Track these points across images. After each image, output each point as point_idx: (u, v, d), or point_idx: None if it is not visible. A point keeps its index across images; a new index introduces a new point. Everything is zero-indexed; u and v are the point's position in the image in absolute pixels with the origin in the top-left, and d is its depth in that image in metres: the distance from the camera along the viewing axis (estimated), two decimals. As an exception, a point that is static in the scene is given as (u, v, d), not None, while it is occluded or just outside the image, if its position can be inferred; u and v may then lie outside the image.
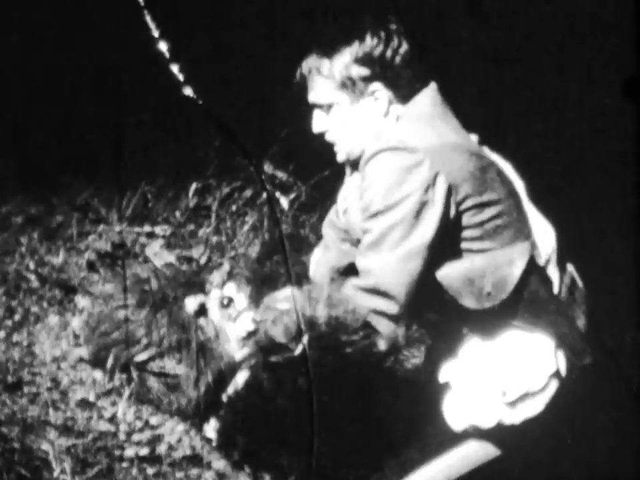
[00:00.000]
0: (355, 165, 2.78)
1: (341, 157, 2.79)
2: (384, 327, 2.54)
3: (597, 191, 3.34)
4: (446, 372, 2.60)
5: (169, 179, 3.69)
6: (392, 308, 2.54)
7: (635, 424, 2.71)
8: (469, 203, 2.56)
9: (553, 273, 2.66)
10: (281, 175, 3.84)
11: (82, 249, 3.28)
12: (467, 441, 2.62)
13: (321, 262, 3.01)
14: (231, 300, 2.83)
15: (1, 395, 2.63)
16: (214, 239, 3.54)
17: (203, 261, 3.40)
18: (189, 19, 4.02)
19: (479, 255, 2.59)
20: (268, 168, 3.84)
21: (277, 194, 3.76)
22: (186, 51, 4.03)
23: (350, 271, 2.83)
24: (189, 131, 3.89)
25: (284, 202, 3.75)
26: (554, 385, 2.56)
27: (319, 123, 2.76)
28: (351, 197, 2.78)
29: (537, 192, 2.79)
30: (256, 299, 2.97)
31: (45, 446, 2.51)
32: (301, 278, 3.02)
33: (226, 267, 3.40)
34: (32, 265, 3.12)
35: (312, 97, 2.73)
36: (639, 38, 2.90)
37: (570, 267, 2.74)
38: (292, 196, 3.78)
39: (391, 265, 2.53)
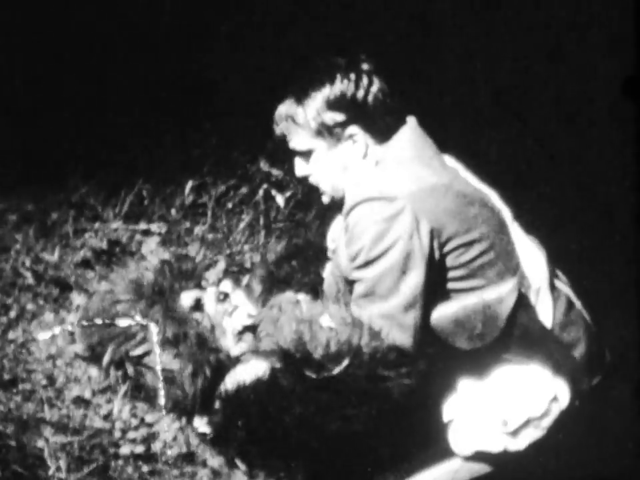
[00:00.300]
0: (341, 206, 2.77)
1: (325, 200, 2.79)
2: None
3: (596, 191, 3.34)
4: (449, 409, 2.61)
5: (164, 176, 3.69)
6: (405, 352, 2.55)
7: (636, 425, 2.71)
8: (453, 243, 2.55)
9: (546, 299, 2.65)
10: (277, 172, 3.84)
11: (78, 246, 3.28)
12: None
13: (332, 276, 3.03)
14: (226, 295, 2.84)
15: (-4, 392, 2.63)
16: (210, 236, 3.54)
17: (198, 258, 3.40)
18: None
19: (468, 294, 2.58)
20: (264, 166, 3.84)
21: (273, 192, 3.76)
22: (184, 51, 4.05)
23: None
24: (185, 129, 3.89)
25: (280, 200, 3.76)
26: (556, 409, 2.56)
27: (300, 168, 2.75)
28: (339, 240, 2.76)
29: (536, 193, 2.78)
30: (264, 300, 2.99)
31: (40, 443, 2.51)
32: (315, 287, 3.03)
33: (222, 264, 3.41)
34: (27, 262, 3.12)
35: (291, 145, 2.72)
36: (638, 38, 2.90)
37: (565, 288, 2.72)
38: (288, 194, 3.78)
39: (391, 319, 2.53)
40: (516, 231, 2.70)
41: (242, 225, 3.62)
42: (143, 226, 3.46)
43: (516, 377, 2.58)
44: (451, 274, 2.58)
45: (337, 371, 2.50)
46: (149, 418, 2.69)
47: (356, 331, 2.55)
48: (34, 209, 3.38)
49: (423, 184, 2.54)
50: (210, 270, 3.38)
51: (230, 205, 3.71)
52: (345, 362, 2.51)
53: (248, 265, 3.45)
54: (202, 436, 2.67)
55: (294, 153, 2.75)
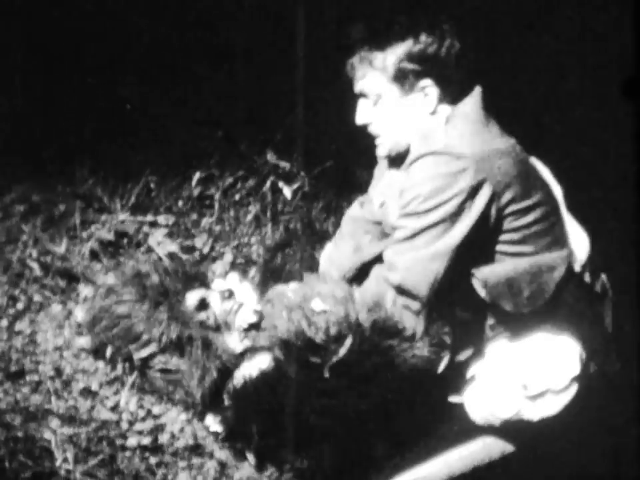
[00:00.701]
0: (394, 160, 2.78)
1: (382, 152, 2.79)
2: (409, 321, 2.57)
3: (596, 191, 3.34)
4: (473, 368, 2.63)
5: (172, 168, 3.69)
6: (414, 305, 2.57)
7: (636, 424, 2.72)
8: (511, 208, 2.59)
9: (588, 278, 2.69)
10: (284, 164, 3.84)
11: (85, 237, 3.28)
12: (475, 439, 2.64)
13: (332, 259, 3.02)
14: (231, 293, 2.83)
15: (3, 384, 2.63)
16: (217, 228, 3.54)
17: (205, 250, 3.40)
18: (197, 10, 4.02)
19: (520, 258, 2.62)
20: (271, 157, 3.84)
21: (280, 184, 3.76)
22: (191, 42, 4.04)
23: (363, 270, 2.85)
24: (192, 120, 3.89)
25: (287, 192, 3.75)
26: (574, 388, 2.58)
27: (363, 113, 2.76)
28: (390, 192, 2.79)
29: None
30: (262, 288, 2.98)
31: (48, 435, 2.51)
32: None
33: (228, 256, 3.41)
34: (35, 254, 3.12)
35: (360, 86, 2.73)
36: (638, 38, 2.89)
37: (602, 275, 2.76)
38: (295, 186, 3.78)
39: (416, 263, 2.57)
40: (565, 209, 2.76)
41: (249, 217, 3.62)
42: (150, 218, 3.46)
43: (547, 344, 2.60)
44: (506, 237, 2.62)
45: (342, 352, 2.52)
46: (156, 410, 2.70)
47: (351, 307, 2.57)
48: (41, 200, 3.38)
49: (489, 146, 2.59)
50: (216, 262, 3.38)
51: (237, 197, 3.71)
52: (348, 341, 2.52)
53: (255, 257, 3.45)
54: (215, 434, 2.68)
55: (356, 99, 2.77)
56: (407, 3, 2.77)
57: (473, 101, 2.68)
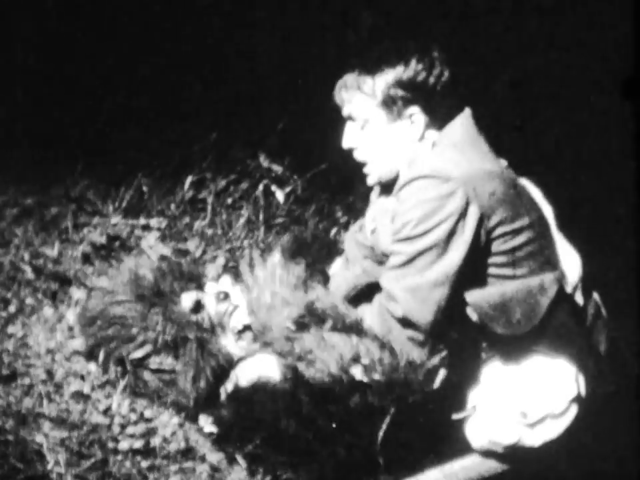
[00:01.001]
0: (384, 186, 2.79)
1: (371, 180, 2.79)
2: (415, 354, 2.57)
3: (596, 192, 3.35)
4: (473, 396, 2.63)
5: (164, 171, 3.69)
6: (419, 337, 2.58)
7: (636, 425, 2.72)
8: (500, 230, 2.59)
9: (580, 299, 2.69)
10: (277, 168, 3.84)
11: (77, 240, 3.28)
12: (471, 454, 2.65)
13: (340, 277, 3.03)
14: (227, 295, 2.83)
15: (-5, 387, 2.63)
16: (209, 231, 3.54)
17: (198, 253, 3.40)
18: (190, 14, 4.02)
19: (510, 281, 2.62)
20: (264, 161, 3.84)
21: (273, 187, 3.76)
22: (184, 46, 4.04)
23: (369, 289, 2.85)
24: (185, 124, 3.89)
25: (280, 195, 3.76)
26: (574, 410, 2.58)
27: (350, 137, 2.76)
28: (381, 218, 2.78)
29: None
30: None
31: (39, 438, 2.51)
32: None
33: (221, 260, 3.41)
34: (27, 257, 3.12)
35: (348, 110, 2.74)
36: (637, 38, 2.89)
37: (595, 295, 2.77)
38: (288, 189, 3.78)
39: (417, 292, 2.56)
40: (556, 230, 2.75)
41: (241, 220, 3.62)
42: (142, 221, 3.46)
43: (541, 369, 2.59)
44: (495, 259, 2.62)
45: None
46: (148, 413, 2.70)
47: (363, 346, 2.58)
48: (34, 203, 3.38)
49: (477, 169, 2.59)
50: (209, 265, 3.38)
51: (229, 201, 3.71)
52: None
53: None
54: (207, 435, 2.67)
55: (343, 123, 2.78)
56: (398, 28, 2.78)
57: (460, 123, 2.68)
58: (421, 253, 2.56)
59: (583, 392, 2.60)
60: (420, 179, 2.58)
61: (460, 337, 2.64)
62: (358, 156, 2.76)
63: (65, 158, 3.56)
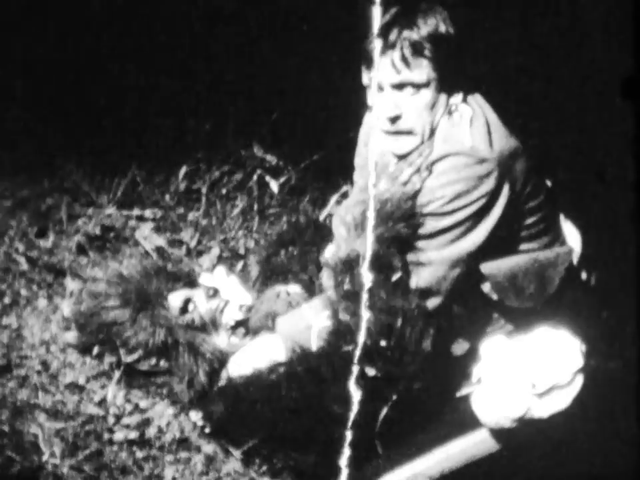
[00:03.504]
0: (403, 156, 2.73)
1: (405, 148, 2.67)
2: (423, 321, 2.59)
3: (596, 192, 3.35)
4: (477, 370, 2.64)
5: (158, 162, 3.69)
6: (431, 304, 2.59)
7: (636, 425, 2.73)
8: (526, 205, 2.61)
9: (584, 274, 2.74)
10: (271, 158, 3.84)
11: (71, 232, 3.28)
12: (469, 434, 2.65)
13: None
14: (216, 291, 2.83)
15: (-10, 378, 2.64)
16: (204, 222, 3.54)
17: (192, 244, 3.40)
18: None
19: (525, 255, 2.64)
20: (258, 151, 3.84)
21: (267, 177, 3.76)
22: (179, 37, 4.04)
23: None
24: (179, 115, 3.88)
25: (274, 185, 3.75)
26: (579, 381, 2.59)
27: (396, 105, 2.62)
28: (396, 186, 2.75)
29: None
30: (261, 284, 2.99)
31: (34, 429, 2.51)
32: (311, 276, 3.04)
33: (215, 250, 3.41)
34: (21, 248, 3.12)
35: (402, 76, 2.57)
36: (637, 38, 2.89)
37: (595, 271, 2.80)
38: (282, 180, 3.78)
39: (438, 264, 2.56)
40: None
41: (236, 210, 3.62)
42: (136, 212, 3.45)
43: (547, 339, 2.61)
44: (515, 235, 2.63)
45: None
46: (143, 404, 2.70)
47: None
48: (28, 195, 3.38)
49: (508, 146, 2.58)
50: (203, 256, 3.38)
51: (224, 191, 3.71)
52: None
53: (242, 250, 3.45)
54: (202, 427, 2.68)
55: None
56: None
57: (485, 100, 2.66)
58: (444, 230, 2.55)
59: (588, 364, 2.62)
60: (456, 155, 2.55)
61: (463, 311, 2.65)
62: (402, 124, 2.63)
63: (58, 149, 3.56)
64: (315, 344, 2.61)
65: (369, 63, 2.59)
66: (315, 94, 3.92)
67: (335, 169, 3.72)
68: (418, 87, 2.59)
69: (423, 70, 2.57)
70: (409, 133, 2.64)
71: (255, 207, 3.66)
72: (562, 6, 3.64)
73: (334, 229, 2.92)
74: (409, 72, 2.57)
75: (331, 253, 3.05)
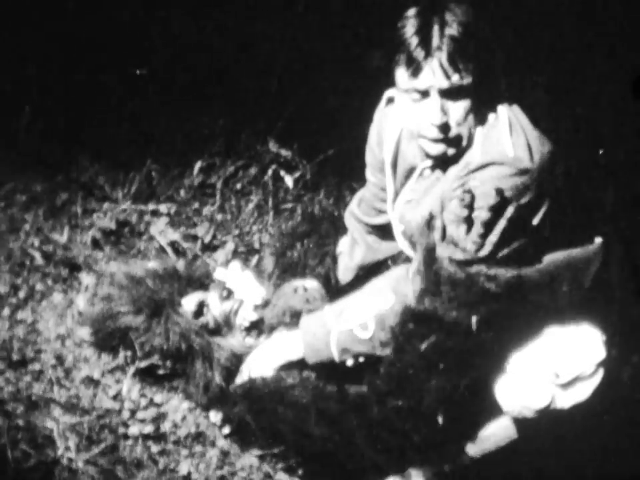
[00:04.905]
0: (438, 160, 2.69)
1: (439, 150, 2.63)
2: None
3: (608, 192, 3.34)
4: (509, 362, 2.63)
5: (173, 156, 3.69)
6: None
7: None
8: (558, 211, 2.59)
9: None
10: (286, 153, 3.84)
11: (86, 226, 3.28)
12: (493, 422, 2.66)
13: (348, 255, 3.03)
14: (230, 292, 2.81)
15: (5, 373, 2.64)
16: (218, 217, 3.54)
17: (207, 239, 3.40)
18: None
19: (559, 253, 2.62)
20: (273, 146, 3.84)
21: (282, 172, 3.76)
22: (193, 30, 4.04)
23: (375, 268, 2.84)
24: (194, 109, 3.89)
25: (289, 180, 3.75)
26: (601, 373, 2.59)
27: (444, 111, 2.54)
28: (425, 192, 2.73)
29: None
30: (277, 278, 2.99)
31: (50, 423, 2.51)
32: (328, 270, 3.04)
33: (230, 245, 3.40)
34: (36, 243, 3.12)
35: (452, 80, 2.50)
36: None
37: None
38: (297, 174, 3.78)
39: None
40: None
41: (250, 205, 3.62)
42: (151, 206, 3.46)
43: (569, 332, 2.60)
44: (546, 234, 2.61)
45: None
46: (157, 398, 2.70)
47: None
48: (43, 189, 3.38)
49: (546, 151, 2.55)
50: (218, 251, 3.38)
51: (238, 186, 3.71)
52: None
53: (257, 245, 3.45)
54: (219, 428, 2.68)
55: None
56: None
57: (517, 105, 2.62)
58: (490, 239, 2.54)
59: (610, 356, 2.61)
60: (498, 165, 2.52)
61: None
62: (450, 132, 2.57)
63: (73, 144, 3.56)
64: (335, 351, 2.62)
65: (415, 69, 2.50)
66: (330, 89, 3.92)
67: (350, 164, 3.72)
68: (466, 91, 2.52)
69: (469, 74, 2.50)
70: (457, 140, 2.59)
71: (270, 201, 3.65)
72: (573, 5, 3.64)
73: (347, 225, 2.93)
74: (458, 76, 2.49)
75: (345, 245, 3.05)
